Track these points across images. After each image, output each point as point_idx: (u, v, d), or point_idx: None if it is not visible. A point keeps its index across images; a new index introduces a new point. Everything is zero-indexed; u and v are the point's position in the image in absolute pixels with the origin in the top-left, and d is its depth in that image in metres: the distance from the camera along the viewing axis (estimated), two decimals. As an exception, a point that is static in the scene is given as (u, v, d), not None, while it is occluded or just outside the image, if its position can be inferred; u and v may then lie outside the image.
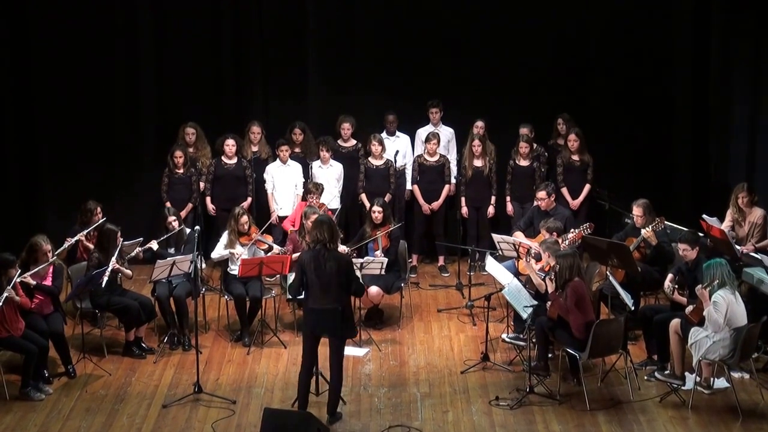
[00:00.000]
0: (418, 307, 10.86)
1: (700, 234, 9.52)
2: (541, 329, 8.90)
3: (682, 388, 8.64)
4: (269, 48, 12.45)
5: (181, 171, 11.56)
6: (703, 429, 8.11)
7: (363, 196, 11.63)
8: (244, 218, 10.11)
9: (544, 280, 9.08)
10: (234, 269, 9.93)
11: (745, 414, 8.25)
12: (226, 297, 10.10)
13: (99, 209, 10.37)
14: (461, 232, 11.81)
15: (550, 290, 8.83)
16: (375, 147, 11.57)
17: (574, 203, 11.62)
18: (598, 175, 11.72)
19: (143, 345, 9.68)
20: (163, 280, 9.62)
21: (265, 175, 11.68)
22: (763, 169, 11.54)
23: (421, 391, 8.87)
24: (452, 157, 11.97)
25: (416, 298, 11.10)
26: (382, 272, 9.90)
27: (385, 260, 9.90)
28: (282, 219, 11.39)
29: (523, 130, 11.86)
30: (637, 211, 9.83)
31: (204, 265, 10.74)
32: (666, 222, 9.81)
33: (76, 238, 10.10)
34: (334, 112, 12.10)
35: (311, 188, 10.84)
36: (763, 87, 11.63)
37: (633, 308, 9.14)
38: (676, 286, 9.00)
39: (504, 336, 9.80)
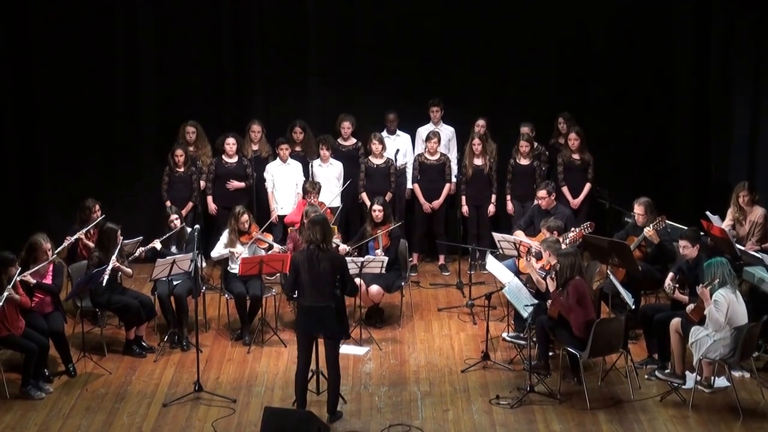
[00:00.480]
0: (419, 306, 10.86)
1: (701, 233, 9.51)
2: (541, 328, 8.89)
3: (683, 387, 8.63)
4: (269, 46, 12.46)
5: (182, 170, 11.56)
6: (704, 428, 8.11)
7: (363, 195, 11.63)
8: (245, 217, 10.10)
9: (544, 278, 9.07)
10: (234, 268, 9.93)
11: (746, 413, 8.25)
12: (226, 296, 10.10)
13: (97, 207, 10.37)
14: (462, 231, 11.82)
15: (551, 289, 8.82)
16: (375, 146, 11.57)
17: (575, 202, 11.62)
18: (598, 174, 11.72)
19: (144, 344, 9.67)
20: (164, 279, 9.61)
21: (265, 174, 11.68)
22: (763, 167, 11.54)
23: (422, 389, 8.87)
24: (453, 156, 11.96)
25: (417, 297, 11.10)
26: (383, 271, 9.90)
27: (386, 259, 9.90)
28: (282, 218, 11.38)
29: (524, 129, 11.86)
30: (638, 209, 9.83)
31: (204, 264, 10.74)
32: (667, 221, 9.80)
33: (75, 237, 10.10)
34: (335, 111, 12.10)
35: (308, 188, 10.84)
36: (763, 85, 11.65)
37: (633, 307, 9.13)
38: (677, 285, 8.99)
39: (504, 335, 9.80)
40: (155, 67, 12.36)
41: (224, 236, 10.18)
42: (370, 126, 11.99)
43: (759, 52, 11.69)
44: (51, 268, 9.16)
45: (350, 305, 10.35)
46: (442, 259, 12.08)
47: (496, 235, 10.34)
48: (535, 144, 11.88)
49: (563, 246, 9.36)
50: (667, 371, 8.87)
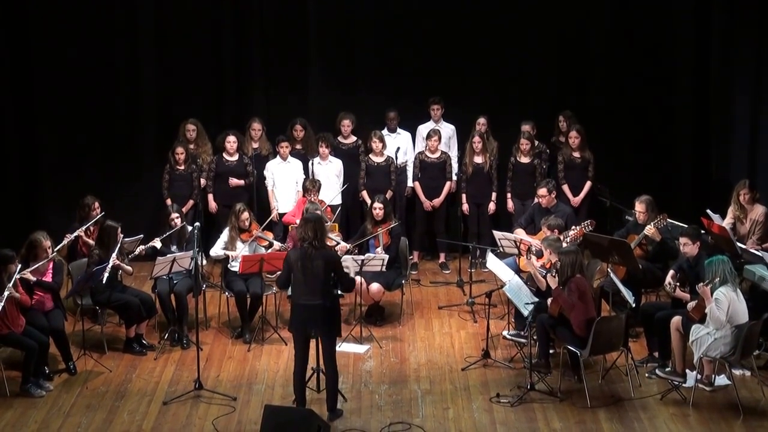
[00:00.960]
0: (419, 304, 10.86)
1: (702, 231, 9.51)
2: (542, 326, 8.89)
3: (683, 385, 8.63)
4: (270, 44, 12.44)
5: (182, 167, 11.55)
6: (704, 426, 8.10)
7: (364, 193, 11.62)
8: (245, 215, 10.10)
9: (545, 277, 9.06)
10: (234, 266, 9.93)
11: (746, 411, 8.25)
12: (226, 294, 10.09)
13: (97, 204, 10.37)
14: (462, 229, 11.82)
15: (552, 286, 8.81)
16: (376, 144, 11.57)
17: (575, 200, 11.61)
18: (599, 172, 11.71)
19: (144, 342, 9.67)
20: (164, 277, 9.61)
21: (265, 172, 11.68)
22: (764, 165, 11.53)
23: (422, 388, 8.86)
24: (453, 154, 11.96)
25: (417, 295, 11.10)
26: (383, 269, 9.90)
27: (386, 257, 9.89)
28: (282, 216, 11.38)
29: (525, 127, 11.85)
30: (639, 207, 9.83)
31: (205, 262, 10.74)
32: (668, 219, 9.79)
33: (75, 234, 10.10)
34: (335, 109, 12.09)
35: (308, 186, 10.84)
36: (764, 84, 11.63)
37: (634, 305, 9.13)
38: (678, 283, 8.98)
39: (505, 333, 9.79)
40: (156, 65, 12.34)
41: (224, 234, 10.18)
42: (371, 124, 11.98)
43: (759, 51, 11.68)
44: (51, 265, 9.16)
45: (350, 303, 10.38)
46: (442, 257, 12.07)
47: (497, 233, 10.34)
48: (536, 142, 11.88)
49: (564, 244, 9.35)
50: (667, 369, 8.87)
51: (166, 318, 9.90)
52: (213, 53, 12.46)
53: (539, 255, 9.48)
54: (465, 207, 11.81)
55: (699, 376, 8.62)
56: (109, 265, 9.20)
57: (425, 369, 9.26)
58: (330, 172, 11.56)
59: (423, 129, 12.09)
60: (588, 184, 11.67)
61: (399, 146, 11.83)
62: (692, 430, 8.06)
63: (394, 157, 11.64)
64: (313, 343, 8.30)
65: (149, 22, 12.26)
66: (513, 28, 12.29)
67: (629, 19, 12.32)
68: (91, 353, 9.41)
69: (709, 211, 10.15)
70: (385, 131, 11.92)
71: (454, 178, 11.87)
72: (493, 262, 9.53)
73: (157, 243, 9.88)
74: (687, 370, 8.73)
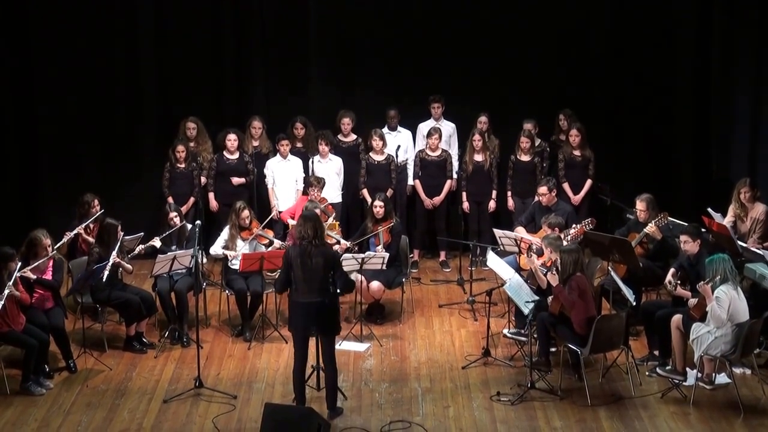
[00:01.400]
0: (420, 302, 10.85)
1: (702, 230, 9.50)
2: (542, 324, 8.88)
3: (684, 383, 8.63)
4: (270, 42, 12.43)
5: (183, 165, 11.55)
6: (705, 425, 8.10)
7: (364, 192, 11.62)
8: (245, 213, 10.10)
9: (545, 275, 9.06)
10: (235, 264, 9.92)
11: (747, 410, 8.24)
12: (226, 292, 10.09)
13: (96, 201, 10.37)
14: (463, 227, 11.81)
15: (553, 285, 8.80)
16: (376, 142, 11.56)
17: (576, 199, 11.61)
18: (599, 171, 11.71)
19: (144, 340, 9.67)
20: (164, 275, 9.61)
21: (265, 170, 11.67)
22: (765, 164, 11.51)
23: (422, 386, 8.86)
24: (454, 152, 11.95)
25: (417, 293, 11.10)
26: (384, 267, 9.89)
27: (387, 255, 9.89)
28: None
29: (527, 126, 11.84)
30: (640, 205, 9.83)
31: (205, 260, 10.74)
32: (668, 217, 9.79)
33: (74, 232, 10.09)
34: (335, 107, 12.09)
35: (312, 182, 10.83)
36: (764, 81, 11.61)
37: (634, 304, 9.13)
38: (678, 282, 8.98)
39: (505, 331, 9.79)
40: (156, 63, 12.34)
41: (225, 232, 10.18)
42: (371, 122, 11.97)
43: (761, 47, 11.66)
44: (51, 263, 9.16)
45: (350, 301, 10.38)
46: (443, 256, 12.06)
47: (497, 232, 10.33)
48: (537, 140, 11.87)
49: (564, 242, 9.35)
50: (668, 368, 8.86)
51: (166, 316, 9.89)
52: (213, 51, 12.45)
53: (540, 253, 9.48)
54: (465, 205, 11.81)
55: (699, 375, 8.62)
56: (110, 263, 9.20)
57: (426, 367, 9.26)
58: (330, 170, 11.55)
59: (423, 127, 12.09)
60: (588, 182, 11.67)
61: (399, 144, 11.83)
62: (693, 428, 8.06)
63: (395, 156, 11.63)
64: (312, 341, 8.30)
65: (150, 19, 12.25)
66: (513, 26, 12.28)
67: (630, 17, 12.31)
68: (92, 351, 9.41)
69: (709, 209, 10.14)
70: (385, 129, 11.91)
71: (455, 176, 11.86)
72: (493, 260, 9.53)
73: (156, 242, 9.87)
74: (687, 369, 8.72)
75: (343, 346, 9.51)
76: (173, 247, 9.95)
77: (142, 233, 10.20)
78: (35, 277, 8.94)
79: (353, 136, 11.99)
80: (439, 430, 8.06)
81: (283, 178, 11.62)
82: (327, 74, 12.48)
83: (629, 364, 8.88)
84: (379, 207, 10.29)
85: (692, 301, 8.63)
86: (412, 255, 11.45)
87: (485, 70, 12.34)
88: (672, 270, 9.12)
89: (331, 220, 10.49)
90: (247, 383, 8.91)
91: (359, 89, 12.46)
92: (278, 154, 11.62)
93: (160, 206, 10.88)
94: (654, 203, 9.84)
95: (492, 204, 11.83)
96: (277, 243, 10.12)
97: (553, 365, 8.99)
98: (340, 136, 11.97)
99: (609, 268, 9.41)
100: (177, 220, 10.05)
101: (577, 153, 11.66)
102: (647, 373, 8.96)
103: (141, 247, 9.84)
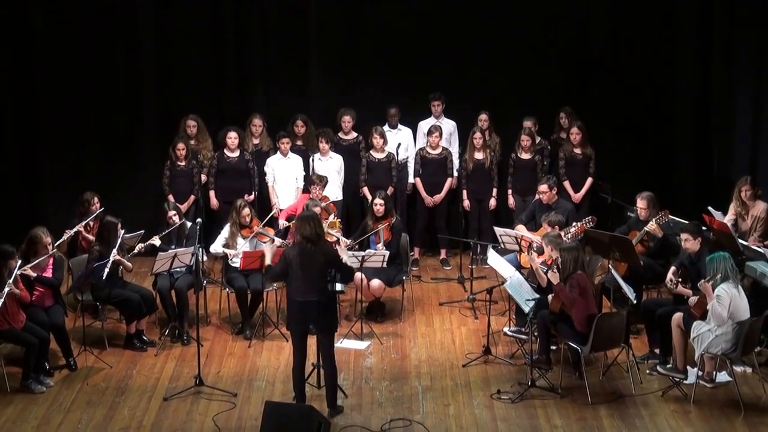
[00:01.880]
0: (420, 300, 10.85)
1: (703, 228, 9.49)
2: (542, 322, 8.88)
3: (684, 382, 8.62)
4: (271, 40, 12.43)
5: (183, 163, 11.54)
6: (705, 423, 8.10)
7: (365, 189, 11.61)
8: (246, 211, 10.10)
9: (546, 273, 9.05)
10: (235, 262, 9.91)
11: (748, 408, 8.24)
12: (227, 290, 10.08)
13: (96, 199, 10.36)
14: (463, 225, 11.80)
15: (553, 283, 8.80)
16: (377, 140, 11.55)
17: (576, 196, 11.60)
18: (600, 169, 11.70)
19: (144, 338, 9.67)
20: (165, 273, 9.60)
21: (265, 168, 11.66)
22: (766, 162, 11.50)
23: (423, 384, 8.86)
24: (454, 150, 11.95)
25: (418, 291, 11.09)
26: (384, 265, 9.89)
27: (387, 253, 9.89)
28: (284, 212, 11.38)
29: (527, 123, 11.84)
30: (641, 203, 9.82)
31: (206, 258, 10.73)
32: (669, 215, 9.78)
33: (75, 230, 10.09)
34: (336, 105, 12.08)
35: (315, 180, 10.82)
36: (765, 80, 11.60)
37: (635, 302, 9.12)
38: (679, 280, 8.97)
39: (506, 329, 9.79)
40: (156, 61, 12.33)
41: (225, 230, 10.18)
42: (372, 120, 11.96)
43: (762, 45, 11.65)
44: (51, 261, 9.15)
45: (351, 299, 10.38)
46: (443, 254, 12.06)
47: (498, 230, 10.33)
48: (538, 139, 11.86)
49: (565, 240, 9.34)
50: (668, 366, 8.86)
51: (166, 314, 9.89)
52: (214, 48, 12.44)
53: (540, 251, 9.47)
54: (466, 203, 11.81)
55: (700, 373, 8.62)
56: (110, 261, 9.19)
57: (426, 365, 9.25)
58: (330, 168, 11.54)
59: (424, 125, 12.08)
60: (589, 180, 11.66)
61: (400, 142, 11.82)
62: (693, 426, 8.05)
63: (395, 154, 11.63)
64: (312, 339, 8.30)
65: (150, 17, 12.24)
66: (514, 24, 12.26)
67: (632, 15, 12.29)
68: (92, 349, 9.41)
69: (710, 207, 10.13)
70: (386, 127, 11.90)
71: (455, 174, 11.85)
72: (494, 258, 9.52)
73: (155, 241, 9.86)
74: (688, 367, 8.71)
75: (343, 344, 9.51)
76: (173, 246, 9.93)
77: (142, 231, 10.19)
78: (35, 274, 8.93)
79: (354, 134, 11.98)
80: (439, 429, 8.05)
81: (284, 176, 11.61)
82: (328, 72, 12.46)
83: (630, 363, 8.88)
84: (379, 205, 10.28)
85: (693, 300, 8.62)
86: (412, 253, 11.44)
87: (486, 68, 12.32)
88: (673, 268, 9.12)
89: (332, 218, 10.48)
90: (248, 381, 8.91)
91: (360, 87, 12.44)
92: (278, 152, 11.61)
93: (160, 204, 10.87)
94: (655, 201, 9.83)
95: (492, 202, 11.82)
96: (277, 241, 10.11)
97: (553, 363, 8.99)
98: (340, 134, 11.96)
99: (610, 266, 9.41)
100: (176, 218, 10.04)
101: (577, 151, 11.65)
102: (648, 372, 8.95)
103: (141, 245, 9.83)
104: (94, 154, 12.29)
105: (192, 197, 11.56)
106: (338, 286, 8.19)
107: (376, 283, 10.06)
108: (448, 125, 12.14)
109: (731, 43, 12.03)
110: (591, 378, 8.66)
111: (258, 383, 8.87)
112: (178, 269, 9.65)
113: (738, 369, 8.76)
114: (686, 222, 9.43)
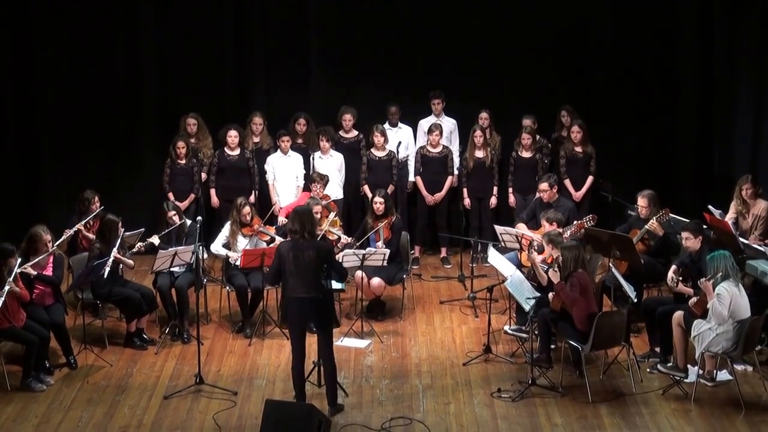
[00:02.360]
0: (421, 299, 10.84)
1: (704, 226, 9.49)
2: (543, 321, 8.87)
3: (685, 380, 8.61)
4: (271, 38, 12.42)
5: (183, 161, 11.54)
6: (706, 421, 8.09)
7: (365, 188, 11.61)
8: (246, 209, 10.09)
9: (546, 272, 9.05)
10: (236, 259, 9.91)
11: (748, 406, 8.23)
12: (227, 288, 10.08)
13: (96, 198, 10.35)
14: (464, 224, 11.79)
15: (554, 281, 8.79)
16: (377, 138, 11.54)
17: (577, 195, 11.59)
18: (601, 167, 11.69)
19: (144, 336, 9.66)
20: (165, 271, 9.60)
21: (266, 166, 11.66)
22: (767, 160, 11.49)
23: (423, 382, 8.85)
24: (455, 149, 11.94)
25: (418, 290, 11.09)
26: (385, 263, 9.88)
27: (387, 251, 9.88)
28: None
29: (526, 122, 11.84)
30: (642, 201, 9.81)
31: (206, 256, 10.73)
32: (670, 214, 9.78)
33: (75, 228, 10.08)
34: (336, 103, 12.07)
35: (316, 178, 10.82)
36: (766, 78, 11.59)
37: (636, 300, 9.12)
38: (680, 278, 8.96)
39: (506, 328, 9.78)
40: (156, 59, 12.34)
41: (226, 228, 10.17)
42: (372, 118, 11.96)
43: (762, 46, 11.64)
44: (51, 259, 9.15)
45: (351, 298, 10.38)
46: (444, 252, 12.06)
47: (498, 228, 10.32)
48: (537, 137, 11.85)
49: (565, 238, 9.33)
50: (669, 365, 8.85)
51: (166, 312, 9.88)
52: (214, 46, 12.43)
53: (540, 250, 9.47)
54: (466, 201, 11.80)
55: (701, 372, 8.61)
56: (110, 260, 9.19)
57: (426, 364, 9.25)
58: (331, 166, 11.54)
59: (424, 123, 12.07)
60: (590, 178, 11.66)
61: (400, 141, 11.81)
62: (694, 425, 8.05)
63: (396, 152, 11.62)
64: (312, 337, 8.28)
65: (150, 15, 12.24)
66: (515, 23, 12.25)
67: (633, 13, 12.28)
68: (92, 347, 9.41)
69: (710, 206, 10.12)
70: (386, 125, 11.90)
71: (456, 172, 11.85)
72: (494, 256, 9.52)
73: (155, 240, 9.85)
74: (688, 366, 8.71)
75: (343, 342, 9.50)
76: (172, 246, 9.92)
77: (143, 228, 10.18)
78: (35, 273, 8.93)
79: (354, 133, 11.98)
80: (439, 427, 8.05)
81: (284, 174, 11.61)
82: (328, 70, 12.46)
83: (630, 361, 8.87)
84: (379, 203, 10.28)
85: (693, 299, 8.61)
86: (413, 251, 11.44)
87: (486, 67, 12.32)
88: (673, 267, 9.11)
89: (332, 216, 10.48)
90: (248, 380, 8.90)
91: (360, 85, 12.43)
92: (279, 150, 11.61)
93: (160, 202, 10.86)
94: (655, 199, 9.82)
95: (493, 200, 11.82)
96: (278, 239, 10.10)
97: (554, 362, 8.98)
98: (341, 132, 11.96)
99: (610, 264, 9.40)
100: (176, 218, 10.03)
101: (578, 149, 11.64)
102: (648, 370, 8.94)
103: (140, 244, 9.81)
104: (94, 152, 12.28)
105: (192, 195, 11.56)
106: (338, 285, 8.17)
107: (376, 281, 10.05)
108: (449, 123, 12.14)
109: (732, 41, 12.02)
110: (591, 376, 8.65)
111: (258, 382, 8.86)
112: (178, 267, 9.64)
113: (739, 368, 8.76)
114: (687, 220, 9.42)
